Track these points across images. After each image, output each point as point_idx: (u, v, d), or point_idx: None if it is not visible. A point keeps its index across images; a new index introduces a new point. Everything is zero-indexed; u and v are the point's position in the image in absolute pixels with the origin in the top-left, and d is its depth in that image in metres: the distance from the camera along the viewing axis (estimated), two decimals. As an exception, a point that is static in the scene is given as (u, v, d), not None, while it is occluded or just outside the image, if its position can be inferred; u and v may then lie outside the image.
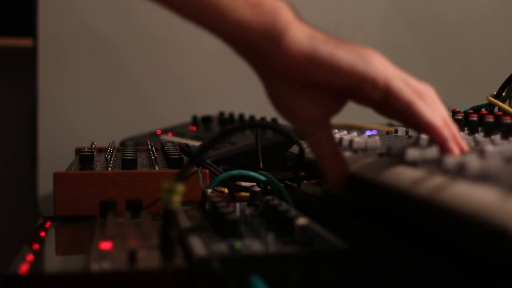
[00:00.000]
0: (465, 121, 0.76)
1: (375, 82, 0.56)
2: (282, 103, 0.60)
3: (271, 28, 0.56)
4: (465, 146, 0.56)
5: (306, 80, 0.58)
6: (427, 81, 0.59)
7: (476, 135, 0.70)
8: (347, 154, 0.65)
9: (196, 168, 0.80)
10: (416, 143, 0.59)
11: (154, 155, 0.96)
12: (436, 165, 0.51)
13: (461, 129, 0.75)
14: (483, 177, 0.44)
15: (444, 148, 0.55)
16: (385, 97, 0.56)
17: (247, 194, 0.73)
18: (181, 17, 0.59)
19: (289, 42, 0.56)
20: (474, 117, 0.74)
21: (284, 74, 0.58)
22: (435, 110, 0.56)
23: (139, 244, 0.53)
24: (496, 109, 0.86)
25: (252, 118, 1.48)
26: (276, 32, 0.56)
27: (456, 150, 0.55)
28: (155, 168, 0.85)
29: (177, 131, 1.49)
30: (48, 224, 0.69)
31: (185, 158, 0.89)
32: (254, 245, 0.50)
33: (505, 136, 0.66)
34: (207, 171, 0.83)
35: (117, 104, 1.85)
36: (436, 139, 0.55)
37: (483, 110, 0.82)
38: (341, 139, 0.71)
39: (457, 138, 0.56)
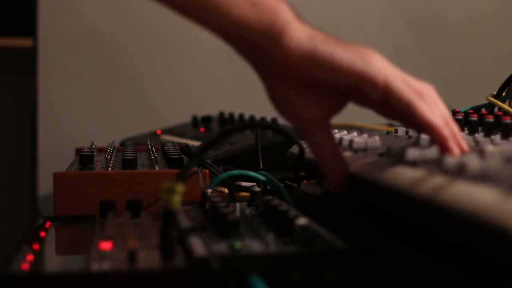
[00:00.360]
0: (465, 121, 0.76)
1: (374, 81, 0.56)
2: (282, 103, 0.60)
3: (271, 27, 0.56)
4: (465, 146, 0.56)
5: (306, 79, 0.58)
6: (427, 81, 0.59)
7: (476, 135, 0.70)
8: (347, 154, 0.65)
9: (196, 168, 0.80)
10: (416, 143, 0.59)
11: (154, 155, 0.96)
12: (436, 165, 0.51)
13: (461, 129, 0.75)
14: (483, 177, 0.44)
15: (444, 148, 0.55)
16: (385, 96, 0.56)
17: (247, 194, 0.73)
18: (181, 16, 0.59)
19: (289, 42, 0.56)
20: (474, 117, 0.74)
21: (284, 73, 0.58)
22: (435, 110, 0.56)
23: (139, 244, 0.53)
24: (496, 109, 0.86)
25: (252, 118, 1.48)
26: (276, 32, 0.56)
27: (456, 150, 0.55)
28: (155, 168, 0.85)
29: (177, 131, 1.49)
30: (48, 224, 0.69)
31: (185, 158, 0.89)
32: (254, 245, 0.50)
33: (505, 136, 0.66)
34: (207, 171, 0.83)
35: (117, 104, 1.85)
36: (436, 138, 0.55)
37: (483, 110, 0.82)
38: (341, 139, 0.71)
39: (457, 138, 0.56)
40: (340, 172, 0.61)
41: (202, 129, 1.47)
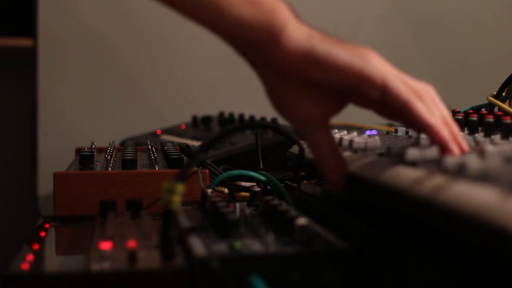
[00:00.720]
0: (465, 121, 0.76)
1: (372, 80, 0.56)
2: (282, 103, 0.60)
3: (270, 26, 0.56)
4: (465, 146, 0.56)
5: (304, 79, 0.58)
6: (426, 81, 0.59)
7: (476, 135, 0.70)
8: (347, 154, 0.65)
9: (196, 168, 0.80)
10: (416, 143, 0.59)
11: (154, 155, 0.96)
12: (436, 165, 0.51)
13: (461, 129, 0.75)
14: (483, 177, 0.44)
15: (444, 148, 0.55)
16: (383, 96, 0.56)
17: (247, 194, 0.73)
18: (182, 16, 0.59)
19: (287, 41, 0.56)
20: (474, 117, 0.74)
21: (283, 72, 0.58)
22: (433, 110, 0.56)
23: (139, 244, 0.53)
24: (496, 109, 0.86)
25: (252, 118, 1.48)
26: (275, 31, 0.56)
27: (456, 150, 0.55)
28: (155, 168, 0.85)
29: (177, 131, 1.49)
30: (48, 224, 0.69)
31: (185, 158, 0.88)
32: (254, 245, 0.50)
33: (505, 136, 0.66)
34: (207, 171, 0.83)
35: (117, 104, 1.84)
36: (434, 139, 0.55)
37: (483, 110, 0.82)
38: (341, 139, 0.71)
39: (457, 138, 0.56)
40: (339, 172, 0.61)
41: (206, 128, 1.47)
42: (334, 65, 0.56)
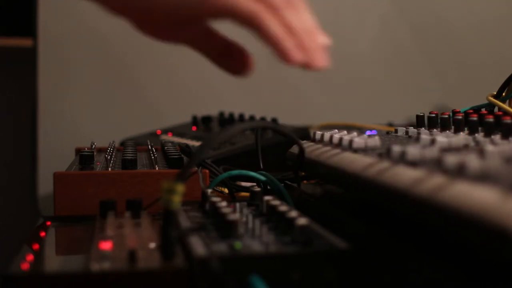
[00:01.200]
0: (465, 121, 0.76)
1: (213, 12, 0.52)
2: (153, 34, 0.60)
3: None
4: (323, 61, 0.53)
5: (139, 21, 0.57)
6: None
7: (476, 135, 0.70)
8: (347, 154, 0.65)
9: (196, 168, 0.80)
10: (416, 143, 0.59)
11: (154, 155, 0.96)
12: (436, 165, 0.51)
13: (461, 129, 0.75)
14: (483, 177, 0.44)
15: (285, 58, 0.52)
16: (232, 19, 0.52)
17: (247, 194, 0.73)
18: None
19: None
20: (474, 117, 0.74)
21: (123, 17, 0.56)
22: (290, 20, 0.54)
23: (139, 244, 0.53)
24: (496, 109, 0.86)
25: (252, 118, 1.48)
26: None
27: (320, 63, 0.53)
28: (155, 168, 0.85)
29: (177, 131, 1.49)
30: (48, 224, 0.69)
31: (185, 158, 0.89)
32: (254, 245, 0.50)
33: (505, 136, 0.66)
34: (207, 171, 0.83)
35: (117, 104, 1.85)
36: (276, 52, 0.52)
37: (483, 110, 0.82)
38: (341, 139, 0.71)
39: (316, 52, 0.53)
40: (244, 59, 0.58)
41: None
42: (163, 11, 0.53)
